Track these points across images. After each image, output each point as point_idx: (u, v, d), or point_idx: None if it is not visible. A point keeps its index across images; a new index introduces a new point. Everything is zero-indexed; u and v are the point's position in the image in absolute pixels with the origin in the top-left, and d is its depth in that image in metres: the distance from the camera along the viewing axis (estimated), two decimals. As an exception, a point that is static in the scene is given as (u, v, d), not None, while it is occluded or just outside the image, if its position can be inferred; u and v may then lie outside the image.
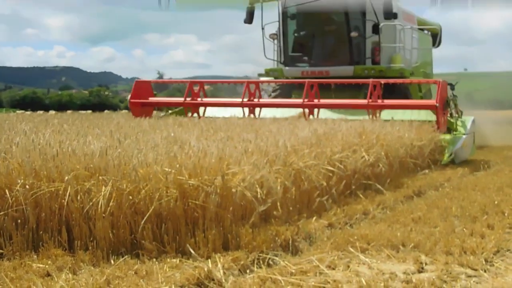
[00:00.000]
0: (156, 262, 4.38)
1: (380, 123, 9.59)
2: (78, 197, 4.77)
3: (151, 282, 3.86)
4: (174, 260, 4.44)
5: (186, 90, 13.23)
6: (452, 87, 15.99)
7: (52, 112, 41.18)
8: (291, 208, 5.86)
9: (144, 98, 13.94)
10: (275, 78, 15.30)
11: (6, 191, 4.76)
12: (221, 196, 4.95)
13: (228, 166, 5.22)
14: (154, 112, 14.80)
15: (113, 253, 4.57)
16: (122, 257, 4.50)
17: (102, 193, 4.73)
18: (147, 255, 4.55)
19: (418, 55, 16.11)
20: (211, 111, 13.40)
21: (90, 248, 4.60)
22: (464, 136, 11.47)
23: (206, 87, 14.50)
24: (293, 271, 4.25)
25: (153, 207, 4.74)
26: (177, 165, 5.02)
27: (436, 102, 11.16)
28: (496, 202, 6.89)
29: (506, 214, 6.26)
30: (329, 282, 4.02)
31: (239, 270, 4.31)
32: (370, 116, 11.57)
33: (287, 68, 14.95)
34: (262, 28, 15.21)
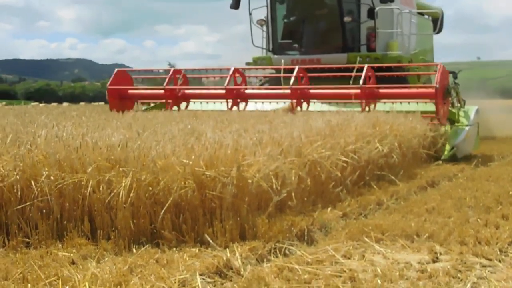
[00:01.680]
0: (176, 251, 4.53)
1: (393, 114, 9.58)
2: (100, 188, 4.93)
3: (172, 270, 3.99)
4: (193, 249, 4.57)
5: (168, 79, 12.56)
6: (455, 75, 15.44)
7: (66, 104, 41.46)
8: (306, 199, 5.98)
9: (123, 91, 13.07)
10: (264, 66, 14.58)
11: (32, 182, 4.93)
12: (237, 186, 5.08)
13: (244, 157, 5.34)
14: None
15: (134, 242, 4.72)
16: (143, 246, 4.65)
17: (123, 184, 4.88)
18: (167, 244, 4.69)
19: (417, 42, 15.19)
20: (194, 105, 12.66)
21: (112, 237, 4.75)
22: (467, 128, 10.81)
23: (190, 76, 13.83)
24: (309, 260, 4.36)
25: (171, 198, 4.87)
26: (194, 157, 5.15)
27: (436, 84, 10.42)
28: (510, 193, 6.95)
29: (520, 205, 6.32)
30: (345, 271, 4.13)
31: (257, 259, 4.43)
32: (364, 106, 10.79)
33: (275, 56, 14.15)
34: (250, 14, 14.45)
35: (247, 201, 5.09)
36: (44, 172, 4.96)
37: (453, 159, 10.13)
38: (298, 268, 4.15)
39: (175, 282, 3.73)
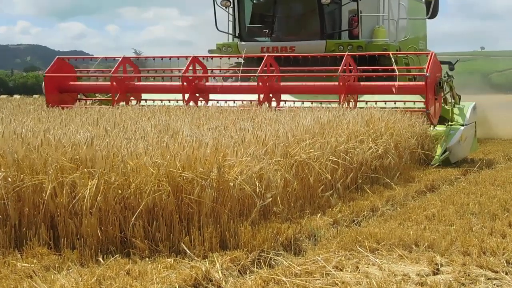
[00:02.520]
0: (149, 262, 4.56)
1: (389, 110, 9.62)
2: (64, 191, 4.94)
3: (145, 283, 4.03)
4: (168, 259, 4.60)
5: (115, 68, 12.00)
6: (451, 66, 14.96)
7: (17, 96, 41.05)
8: (292, 204, 6.04)
9: (63, 83, 12.50)
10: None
11: (-14, 184, 4.92)
12: (217, 190, 5.14)
13: (225, 157, 5.40)
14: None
15: (102, 252, 4.75)
16: (112, 256, 4.67)
17: (89, 187, 4.90)
18: (139, 254, 4.73)
19: (407, 28, 14.69)
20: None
21: (77, 246, 4.76)
22: (462, 128, 10.33)
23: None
24: (298, 272, 4.43)
25: (144, 202, 4.91)
26: (170, 156, 5.19)
27: (426, 71, 9.99)
28: (517, 198, 7.07)
29: (528, 211, 6.43)
30: (337, 284, 4.19)
31: (239, 270, 4.49)
32: (344, 101, 10.43)
33: (243, 43, 13.61)
34: None
35: (228, 206, 5.15)
36: (0, 173, 4.97)
37: (446, 164, 9.82)
38: (285, 280, 4.21)
39: (149, 296, 3.78)
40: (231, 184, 5.19)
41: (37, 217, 4.94)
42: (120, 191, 4.97)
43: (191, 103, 11.40)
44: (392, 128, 8.75)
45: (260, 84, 11.05)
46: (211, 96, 11.88)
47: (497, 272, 4.52)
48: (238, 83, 12.35)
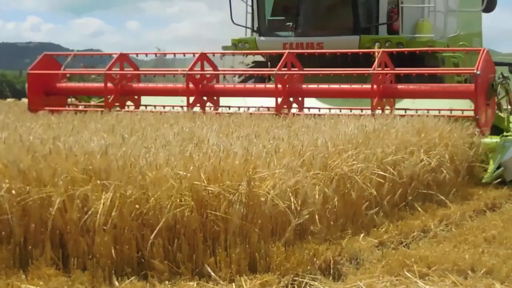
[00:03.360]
0: (169, 285, 4.60)
1: (444, 118, 9.53)
2: (74, 206, 4.99)
3: (164, 309, 4.07)
4: (191, 283, 4.64)
5: (110, 64, 11.67)
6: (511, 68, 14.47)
7: (25, 100, 41.45)
8: (332, 223, 6.02)
9: (50, 84, 12.10)
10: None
11: (-12, 197, 5.00)
12: (246, 206, 5.16)
13: (255, 169, 5.41)
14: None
15: (117, 274, 4.77)
16: (128, 278, 4.71)
17: (102, 201, 4.94)
18: (157, 276, 4.75)
19: (457, 22, 14.11)
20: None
21: (88, 267, 4.80)
22: None
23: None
24: (337, 299, 4.44)
25: (164, 219, 4.93)
26: (194, 168, 5.21)
27: (477, 69, 9.48)
28: None
29: None
30: (381, 313, 4.20)
31: (270, 297, 4.51)
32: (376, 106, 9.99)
33: (262, 38, 13.23)
34: None
35: (259, 224, 5.16)
36: (4, 185, 5.01)
37: (501, 182, 9.20)
38: (323, 308, 4.23)
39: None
40: (262, 199, 5.20)
41: (45, 234, 4.97)
42: (137, 206, 5.00)
43: (197, 108, 10.92)
44: (447, 139, 8.69)
45: (279, 86, 10.56)
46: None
47: None
48: (252, 85, 12.06)
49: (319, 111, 10.59)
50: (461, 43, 14.01)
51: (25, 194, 5.02)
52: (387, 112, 9.88)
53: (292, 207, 5.33)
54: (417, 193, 7.59)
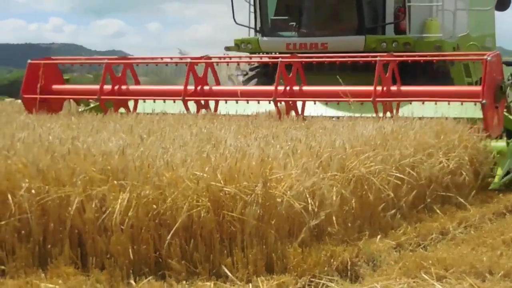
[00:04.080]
0: (186, 285, 4.66)
1: (463, 120, 9.44)
2: (92, 205, 5.06)
3: (181, 308, 4.11)
4: (208, 283, 4.70)
5: (103, 73, 11.14)
6: None
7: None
8: (349, 224, 6.03)
9: (46, 87, 11.49)
10: (250, 52, 12.99)
11: (9, 196, 5.08)
12: (263, 206, 5.19)
13: (272, 170, 5.44)
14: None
15: (134, 273, 4.85)
16: (145, 278, 4.77)
17: (119, 201, 5.01)
18: (174, 276, 4.82)
19: (467, 21, 13.63)
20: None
21: (106, 266, 4.88)
22: None
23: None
24: (353, 300, 4.46)
25: (181, 219, 4.99)
26: (210, 169, 5.26)
27: (482, 96, 8.87)
28: None
29: None
30: (396, 315, 4.22)
31: (286, 297, 4.55)
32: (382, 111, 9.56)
33: (265, 38, 12.80)
34: None
35: (275, 225, 5.19)
36: (23, 184, 5.11)
37: (510, 188, 8.86)
38: (338, 308, 4.26)
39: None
40: (279, 200, 5.23)
41: (63, 233, 5.05)
42: (154, 206, 5.06)
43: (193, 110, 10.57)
44: (466, 141, 8.65)
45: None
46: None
47: None
48: (251, 87, 11.88)
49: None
50: (471, 43, 13.53)
51: (44, 193, 5.10)
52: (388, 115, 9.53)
53: (309, 208, 5.36)
54: (435, 195, 7.57)
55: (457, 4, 12.58)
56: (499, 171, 8.69)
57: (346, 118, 8.85)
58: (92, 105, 11.72)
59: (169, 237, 4.96)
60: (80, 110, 11.66)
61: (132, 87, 11.33)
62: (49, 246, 5.03)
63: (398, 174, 6.82)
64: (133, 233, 4.98)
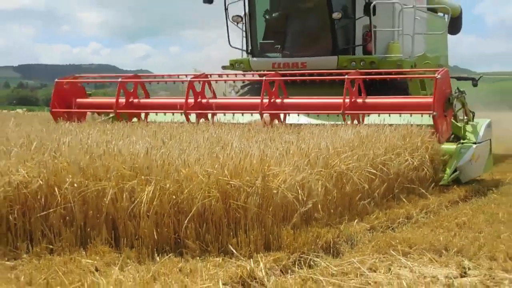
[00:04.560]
0: (200, 261, 4.67)
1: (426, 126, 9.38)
2: (123, 196, 5.09)
3: (195, 279, 4.14)
4: (217, 259, 4.71)
5: (117, 91, 10.90)
6: (475, 82, 14.27)
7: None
8: (332, 211, 6.07)
9: (70, 101, 11.35)
10: (243, 71, 12.72)
11: (56, 189, 5.11)
12: (262, 197, 5.20)
13: (269, 167, 5.44)
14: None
15: (158, 251, 4.88)
16: (167, 255, 4.80)
17: (146, 193, 5.03)
18: (190, 253, 4.84)
19: (424, 43, 13.28)
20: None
21: (135, 245, 4.91)
22: (474, 146, 9.19)
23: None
24: (334, 272, 4.50)
25: (195, 207, 5.02)
26: (219, 166, 5.28)
27: (433, 103, 8.82)
28: (545, 208, 7.00)
29: (554, 221, 6.36)
30: (370, 284, 4.25)
31: (281, 270, 4.56)
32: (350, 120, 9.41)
33: (255, 59, 12.56)
34: (225, 9, 12.76)
35: (272, 211, 5.20)
36: (67, 179, 5.14)
37: (457, 183, 8.84)
38: (323, 279, 4.28)
39: (198, 291, 3.89)
40: (275, 191, 5.24)
41: (100, 219, 5.08)
42: (174, 197, 5.08)
43: (194, 119, 10.27)
44: (428, 143, 8.67)
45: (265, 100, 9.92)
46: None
47: (520, 276, 4.51)
48: (239, 100, 11.61)
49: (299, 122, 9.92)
50: (426, 61, 13.38)
51: (84, 187, 5.13)
52: (355, 122, 9.43)
53: (299, 198, 5.39)
54: (402, 187, 7.61)
55: (415, 29, 12.33)
56: (448, 170, 8.71)
57: (329, 125, 8.81)
58: (111, 115, 11.43)
59: (186, 221, 4.98)
60: (101, 119, 11.34)
61: (143, 100, 11.16)
62: (88, 229, 5.06)
63: (371, 170, 6.87)
64: (156, 218, 5.00)
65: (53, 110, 11.13)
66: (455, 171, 8.81)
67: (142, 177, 5.19)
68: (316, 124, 9.09)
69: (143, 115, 10.94)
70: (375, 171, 6.91)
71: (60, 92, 11.34)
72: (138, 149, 5.58)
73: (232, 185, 5.16)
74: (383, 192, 7.05)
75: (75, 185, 5.12)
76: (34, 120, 10.28)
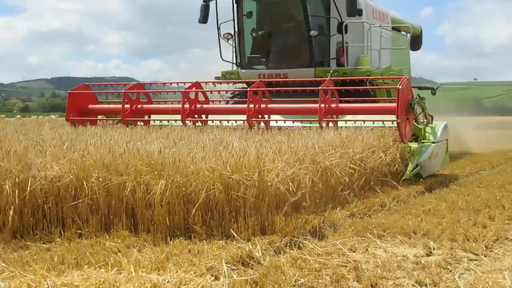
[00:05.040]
0: (206, 243, 4.66)
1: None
2: (141, 188, 5.07)
3: (202, 258, 4.13)
4: (220, 241, 4.70)
5: (123, 99, 10.53)
6: (434, 91, 14.07)
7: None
8: (318, 200, 6.06)
9: (83, 107, 11.06)
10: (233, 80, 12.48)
11: (84, 182, 5.12)
12: (258, 188, 5.20)
13: (264, 163, 5.44)
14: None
15: (170, 235, 4.87)
16: (178, 238, 4.79)
17: (159, 185, 5.02)
18: (197, 237, 4.83)
19: (390, 57, 13.20)
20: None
21: (151, 230, 4.91)
22: (432, 145, 9.04)
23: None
24: (320, 252, 4.49)
25: (202, 198, 5.01)
26: (222, 162, 5.27)
27: (397, 116, 8.47)
28: (497, 197, 7.01)
29: (506, 208, 6.38)
30: (350, 262, 4.24)
31: (274, 251, 4.57)
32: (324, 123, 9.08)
33: (243, 70, 12.36)
34: (218, 28, 12.44)
35: (267, 201, 5.20)
36: (94, 174, 5.14)
37: (418, 178, 8.54)
38: (310, 258, 4.27)
39: (204, 268, 3.87)
40: (269, 184, 5.24)
41: (121, 208, 5.09)
42: (183, 189, 5.07)
43: (189, 123, 9.89)
44: (398, 142, 8.65)
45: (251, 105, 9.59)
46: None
47: (477, 254, 4.54)
48: (228, 105, 11.33)
49: (285, 123, 9.71)
50: (391, 72, 13.08)
51: (108, 180, 5.13)
52: (330, 125, 9.15)
53: (290, 189, 5.39)
54: (377, 180, 7.60)
55: (381, 45, 12.26)
56: (410, 166, 8.46)
57: (315, 128, 8.76)
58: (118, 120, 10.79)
59: (193, 210, 4.97)
60: (111, 123, 10.75)
61: (146, 106, 10.75)
62: (111, 216, 5.06)
63: (351, 165, 6.86)
64: (169, 207, 4.99)
65: (68, 118, 10.77)
66: (416, 166, 8.58)
67: (156, 172, 5.18)
68: (302, 127, 8.95)
69: (147, 117, 10.65)
70: (354, 167, 6.90)
71: (73, 101, 11.05)
72: (153, 148, 5.56)
73: (233, 179, 5.16)
74: (361, 184, 7.03)
75: (100, 179, 5.12)
76: (65, 124, 10.21)
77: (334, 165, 6.52)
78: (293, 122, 9.63)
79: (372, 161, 7.47)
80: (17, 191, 4.96)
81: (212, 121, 10.08)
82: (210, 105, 10.63)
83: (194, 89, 10.37)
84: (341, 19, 11.43)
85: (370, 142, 7.92)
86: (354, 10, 11.05)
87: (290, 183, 5.40)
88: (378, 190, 7.30)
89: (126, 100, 10.49)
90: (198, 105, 10.25)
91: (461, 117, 18.90)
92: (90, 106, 11.15)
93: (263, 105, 9.78)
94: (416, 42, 15.97)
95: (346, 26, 11.40)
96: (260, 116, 9.78)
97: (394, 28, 14.08)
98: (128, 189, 5.06)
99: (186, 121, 9.87)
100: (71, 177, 5.13)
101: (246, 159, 5.38)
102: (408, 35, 14.72)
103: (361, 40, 11.90)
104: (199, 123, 9.98)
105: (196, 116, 10.21)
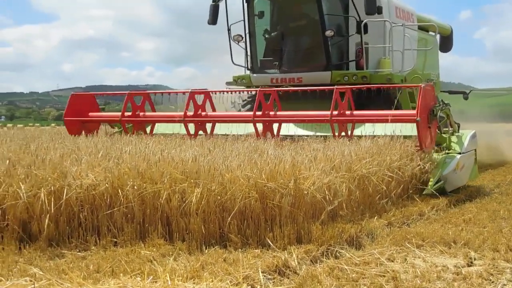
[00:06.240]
0: (241, 252, 4.68)
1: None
2: (176, 197, 5.11)
3: (238, 267, 4.14)
4: (256, 250, 4.71)
5: (124, 104, 10.16)
6: (466, 96, 13.51)
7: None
8: (355, 209, 6.04)
9: (84, 114, 10.67)
10: (246, 87, 11.84)
11: (119, 190, 5.18)
12: (294, 197, 5.19)
13: (300, 171, 5.43)
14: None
15: (205, 244, 4.89)
16: (213, 247, 4.81)
17: (195, 194, 5.06)
18: (233, 246, 4.85)
19: (414, 59, 12.15)
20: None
21: (186, 239, 4.94)
22: (458, 156, 8.23)
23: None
24: (357, 262, 4.47)
25: (237, 206, 5.02)
26: (257, 170, 5.28)
27: (417, 115, 7.79)
28: (541, 206, 6.86)
29: (550, 217, 6.23)
30: (388, 272, 4.21)
31: (311, 260, 4.56)
32: (337, 132, 8.49)
33: (255, 75, 11.69)
34: (228, 30, 11.83)
35: (303, 209, 5.19)
36: (129, 183, 5.20)
37: (442, 193, 7.73)
38: (347, 268, 4.25)
39: (240, 277, 3.89)
40: (305, 192, 5.23)
41: (156, 216, 5.12)
42: (219, 197, 5.09)
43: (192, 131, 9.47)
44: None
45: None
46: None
47: (520, 265, 4.43)
48: (233, 112, 10.86)
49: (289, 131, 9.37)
50: (415, 75, 11.95)
51: (142, 189, 5.18)
52: (343, 134, 8.57)
53: (327, 198, 5.36)
54: (415, 188, 7.52)
55: (405, 46, 11.25)
56: (432, 179, 7.74)
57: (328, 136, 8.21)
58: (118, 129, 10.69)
59: (229, 218, 4.98)
60: (114, 131, 10.68)
61: (148, 113, 10.33)
62: (146, 225, 5.10)
63: (389, 173, 6.80)
64: (204, 216, 5.02)
65: (65, 118, 10.48)
66: (439, 180, 7.83)
67: (192, 180, 5.21)
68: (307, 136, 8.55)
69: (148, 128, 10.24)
70: (392, 174, 6.84)
71: (73, 105, 10.71)
72: (188, 156, 5.61)
73: (269, 187, 5.16)
74: (399, 193, 6.98)
75: (135, 187, 5.17)
76: (100, 133, 10.31)
77: (371, 173, 6.48)
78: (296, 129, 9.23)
79: (410, 169, 7.39)
80: (52, 200, 5.03)
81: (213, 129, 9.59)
82: (216, 113, 9.94)
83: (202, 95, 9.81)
84: (360, 18, 10.71)
85: (408, 149, 7.83)
86: (373, 8, 10.32)
87: (326, 191, 5.38)
88: (417, 199, 7.22)
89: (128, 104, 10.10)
90: (203, 113, 9.65)
91: (503, 123, 18.56)
92: (90, 113, 10.76)
93: (272, 112, 9.16)
94: (446, 43, 15.34)
95: (365, 25, 10.72)
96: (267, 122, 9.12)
97: (421, 28, 13.27)
98: (163, 197, 5.10)
99: (188, 125, 9.44)
100: (107, 185, 5.20)
101: (282, 167, 5.38)
102: (437, 35, 13.98)
103: (382, 40, 11.24)
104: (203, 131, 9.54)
105: (199, 123, 9.61)
